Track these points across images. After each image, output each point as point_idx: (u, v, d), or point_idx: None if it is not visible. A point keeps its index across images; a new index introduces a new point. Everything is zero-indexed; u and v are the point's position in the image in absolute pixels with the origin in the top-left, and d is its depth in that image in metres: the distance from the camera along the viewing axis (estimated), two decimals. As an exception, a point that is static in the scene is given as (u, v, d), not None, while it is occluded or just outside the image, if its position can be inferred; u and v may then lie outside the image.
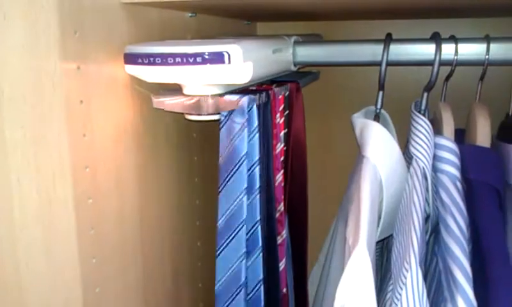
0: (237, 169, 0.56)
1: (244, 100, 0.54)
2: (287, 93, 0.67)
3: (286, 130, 0.68)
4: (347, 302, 0.50)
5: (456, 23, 0.85)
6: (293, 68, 0.68)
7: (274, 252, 0.64)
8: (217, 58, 0.49)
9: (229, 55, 0.48)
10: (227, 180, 0.57)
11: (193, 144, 0.71)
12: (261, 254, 0.59)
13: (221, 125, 0.56)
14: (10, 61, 0.42)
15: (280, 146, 0.66)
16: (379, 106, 0.64)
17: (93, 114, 0.48)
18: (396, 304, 0.49)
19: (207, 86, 0.54)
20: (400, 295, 0.49)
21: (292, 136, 0.68)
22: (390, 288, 0.53)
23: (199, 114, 0.56)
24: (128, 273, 0.56)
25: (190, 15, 0.67)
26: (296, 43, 0.67)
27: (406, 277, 0.49)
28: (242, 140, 0.56)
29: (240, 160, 0.56)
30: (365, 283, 0.50)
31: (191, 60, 0.49)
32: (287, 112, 0.68)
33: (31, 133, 0.43)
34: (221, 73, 0.49)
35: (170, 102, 0.56)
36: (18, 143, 0.44)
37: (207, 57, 0.48)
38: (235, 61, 0.48)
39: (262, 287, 0.60)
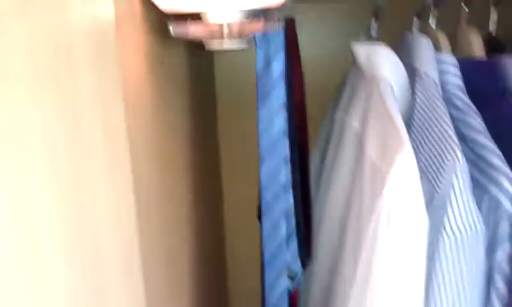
0: (276, 86, 0.57)
1: (270, 24, 0.54)
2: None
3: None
4: (396, 204, 0.51)
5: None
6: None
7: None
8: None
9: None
10: (267, 100, 0.58)
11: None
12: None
13: (257, 44, 0.56)
14: None
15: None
16: (374, 34, 0.67)
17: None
18: (446, 196, 0.51)
19: (231, 12, 0.52)
20: (448, 184, 0.51)
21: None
22: (425, 185, 0.55)
23: (222, 39, 0.54)
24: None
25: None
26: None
27: (453, 169, 0.50)
28: (279, 62, 0.57)
29: (277, 80, 0.57)
30: (412, 184, 0.51)
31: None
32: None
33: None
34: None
35: (193, 29, 0.53)
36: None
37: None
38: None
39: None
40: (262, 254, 0.63)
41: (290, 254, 0.64)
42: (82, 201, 0.34)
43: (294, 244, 0.64)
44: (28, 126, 0.27)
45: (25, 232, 0.27)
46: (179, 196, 0.65)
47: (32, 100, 0.28)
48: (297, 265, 0.65)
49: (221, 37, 0.53)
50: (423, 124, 0.59)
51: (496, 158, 0.52)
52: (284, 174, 0.63)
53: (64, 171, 0.31)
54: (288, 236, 0.64)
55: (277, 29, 0.56)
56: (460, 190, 0.50)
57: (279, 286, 0.64)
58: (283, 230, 0.63)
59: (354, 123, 0.66)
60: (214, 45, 0.55)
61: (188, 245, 0.69)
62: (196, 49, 0.77)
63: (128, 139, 0.43)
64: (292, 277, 0.64)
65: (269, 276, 0.63)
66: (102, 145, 0.37)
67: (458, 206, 0.50)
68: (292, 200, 0.64)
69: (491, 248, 0.52)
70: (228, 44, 0.55)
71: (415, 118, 0.61)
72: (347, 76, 0.75)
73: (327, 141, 0.79)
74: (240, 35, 0.53)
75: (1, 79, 0.25)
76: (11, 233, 0.25)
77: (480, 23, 0.66)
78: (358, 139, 0.64)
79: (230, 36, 0.53)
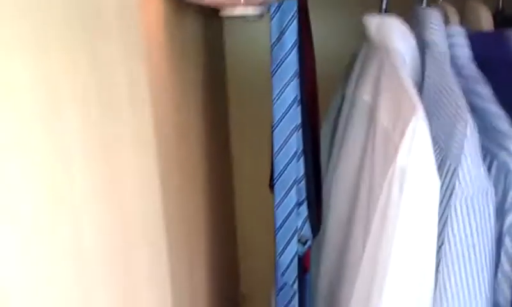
0: (289, 56, 0.58)
1: None
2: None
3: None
4: (409, 167, 0.52)
5: None
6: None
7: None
8: None
9: None
10: (280, 69, 0.58)
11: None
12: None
13: (271, 15, 0.57)
14: None
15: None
16: (384, 6, 0.68)
17: None
18: (457, 161, 0.52)
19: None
20: (459, 149, 0.52)
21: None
22: (437, 152, 0.56)
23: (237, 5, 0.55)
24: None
25: None
26: None
27: (464, 135, 0.52)
28: (292, 31, 0.58)
29: (291, 51, 0.58)
30: (425, 147, 0.52)
31: None
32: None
33: None
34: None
35: None
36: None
37: None
38: None
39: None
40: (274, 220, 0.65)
41: (301, 221, 0.65)
42: (114, 167, 0.35)
43: (305, 211, 0.66)
44: (66, 87, 0.28)
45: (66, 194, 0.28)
46: (194, 167, 0.66)
47: (72, 62, 0.29)
48: (307, 231, 0.66)
49: (238, 2, 0.54)
50: (434, 93, 0.60)
51: (505, 124, 0.54)
52: (295, 142, 0.64)
53: (97, 136, 0.32)
54: (299, 204, 0.65)
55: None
56: (471, 154, 0.51)
57: (290, 251, 0.65)
58: (293, 197, 0.64)
59: (365, 97, 0.68)
60: (228, 11, 0.55)
61: (202, 215, 0.70)
62: (208, 21, 0.77)
63: (151, 104, 0.44)
64: (303, 243, 0.66)
65: (280, 241, 0.65)
66: (130, 113, 0.38)
67: (469, 169, 0.51)
68: (303, 168, 0.65)
69: (501, 213, 0.54)
70: (241, 10, 0.56)
71: (425, 87, 0.62)
72: (358, 53, 0.76)
73: (337, 117, 0.80)
74: (255, 1, 0.54)
75: (43, 43, 0.26)
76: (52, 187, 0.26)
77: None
78: (369, 111, 0.65)
79: (247, 1, 0.54)
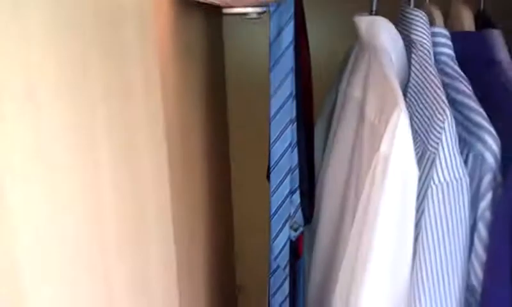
0: (285, 53, 0.63)
1: None
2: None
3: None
4: (391, 155, 0.57)
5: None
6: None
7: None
8: None
9: None
10: (277, 66, 0.63)
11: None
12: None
13: (270, 15, 0.62)
14: None
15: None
16: (374, 8, 0.72)
17: None
18: (435, 151, 0.57)
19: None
20: (438, 140, 0.56)
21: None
22: (418, 144, 0.61)
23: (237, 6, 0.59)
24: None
25: None
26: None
27: (442, 127, 0.56)
28: (289, 31, 0.63)
29: (287, 48, 0.63)
30: (406, 137, 0.56)
31: None
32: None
33: None
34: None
35: None
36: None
37: None
38: None
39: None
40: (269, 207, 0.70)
41: (294, 208, 0.70)
42: (132, 166, 0.40)
43: (297, 199, 0.71)
44: (97, 89, 0.33)
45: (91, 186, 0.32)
46: (194, 165, 0.71)
47: (101, 66, 0.34)
48: (299, 218, 0.71)
49: (238, 2, 0.58)
50: (417, 89, 0.64)
51: (481, 118, 0.58)
52: (290, 134, 0.69)
53: (118, 115, 0.37)
54: (292, 192, 0.70)
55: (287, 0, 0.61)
56: (448, 145, 0.56)
57: (283, 236, 0.70)
58: (287, 185, 0.69)
59: (355, 93, 0.72)
60: (231, 10, 0.60)
61: (202, 211, 0.74)
62: (210, 21, 0.82)
63: (162, 99, 0.49)
64: (294, 229, 0.71)
65: (274, 227, 0.70)
66: (143, 95, 0.43)
67: (445, 159, 0.55)
68: (297, 158, 0.70)
69: (476, 200, 0.58)
70: (242, 9, 0.60)
71: (411, 83, 0.66)
72: (350, 52, 0.81)
73: (332, 111, 0.85)
74: (254, 1, 0.59)
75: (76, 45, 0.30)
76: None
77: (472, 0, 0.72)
78: (359, 107, 0.70)
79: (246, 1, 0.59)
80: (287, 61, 0.71)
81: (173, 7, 0.57)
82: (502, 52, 0.67)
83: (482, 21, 0.72)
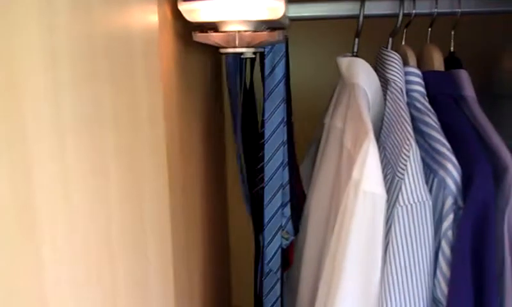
0: (278, 86, 0.73)
1: (280, 33, 0.67)
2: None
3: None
4: (362, 180, 0.64)
5: None
6: (287, 22, 0.82)
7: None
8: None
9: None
10: (271, 96, 0.74)
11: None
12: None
13: (266, 55, 0.71)
14: None
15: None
16: (355, 50, 0.81)
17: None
18: (402, 177, 0.64)
19: (243, 22, 0.66)
20: (404, 167, 0.64)
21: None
22: (389, 171, 0.69)
23: (235, 47, 0.68)
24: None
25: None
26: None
27: (408, 156, 0.64)
28: (281, 68, 0.73)
29: (280, 82, 0.73)
30: (374, 164, 0.64)
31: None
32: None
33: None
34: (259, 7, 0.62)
35: (212, 35, 0.66)
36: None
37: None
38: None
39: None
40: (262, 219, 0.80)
41: (285, 219, 0.81)
42: (134, 167, 0.47)
43: (288, 212, 0.82)
44: (107, 109, 0.41)
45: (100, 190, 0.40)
46: (193, 185, 0.78)
47: (112, 90, 0.41)
48: (290, 228, 0.83)
49: (234, 44, 0.67)
50: (390, 123, 0.72)
51: (444, 148, 0.65)
52: (282, 155, 0.79)
53: (126, 139, 0.45)
54: (284, 205, 0.81)
55: (280, 40, 0.69)
56: (412, 171, 0.63)
57: (275, 243, 0.82)
58: (279, 200, 0.80)
59: (337, 124, 0.80)
60: (228, 50, 0.68)
61: (199, 228, 0.82)
62: (209, 55, 0.90)
63: (164, 117, 0.56)
64: (286, 238, 0.83)
65: (267, 235, 0.81)
66: (148, 124, 0.51)
67: (410, 183, 0.63)
68: (287, 176, 0.79)
69: (440, 220, 0.66)
70: (238, 50, 0.68)
71: (385, 117, 0.74)
72: (335, 88, 0.89)
73: (318, 141, 0.93)
74: (249, 44, 0.67)
75: (90, 72, 0.38)
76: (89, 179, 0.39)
77: (442, 42, 0.81)
78: (340, 136, 0.78)
79: (241, 43, 0.67)
80: (280, 92, 0.83)
81: (177, 47, 0.66)
82: (468, 89, 0.75)
83: (452, 61, 0.80)
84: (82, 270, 0.36)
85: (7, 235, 0.27)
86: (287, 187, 0.83)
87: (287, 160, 0.83)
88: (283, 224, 0.83)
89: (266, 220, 0.82)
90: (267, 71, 0.82)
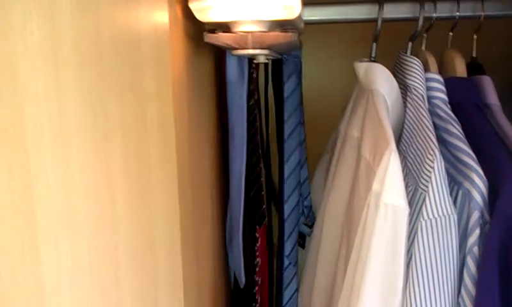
0: (296, 90, 0.78)
1: (294, 34, 0.63)
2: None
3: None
4: (383, 192, 0.61)
5: None
6: (301, 26, 0.79)
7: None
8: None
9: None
10: (289, 99, 0.78)
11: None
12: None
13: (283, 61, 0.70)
14: None
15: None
16: (373, 54, 0.77)
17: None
18: (425, 189, 0.61)
19: (256, 22, 0.62)
20: (428, 178, 0.61)
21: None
22: (411, 182, 0.65)
23: (246, 49, 0.64)
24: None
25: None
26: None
27: (432, 167, 0.61)
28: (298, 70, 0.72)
29: (297, 86, 0.74)
30: (396, 176, 0.60)
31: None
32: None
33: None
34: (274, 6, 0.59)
35: (224, 36, 0.63)
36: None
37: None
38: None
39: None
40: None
41: (307, 210, 0.93)
42: (142, 177, 0.44)
43: (309, 202, 0.93)
44: (114, 115, 0.38)
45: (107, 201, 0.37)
46: (204, 188, 0.75)
47: (119, 95, 0.39)
48: (312, 217, 0.95)
49: (246, 45, 0.64)
50: (411, 131, 0.69)
51: (470, 158, 0.62)
52: (299, 154, 0.86)
53: (134, 149, 0.42)
54: (304, 198, 0.91)
55: (294, 41, 0.66)
56: (437, 183, 0.60)
57: (293, 237, 0.89)
58: (297, 196, 0.86)
59: (354, 132, 0.77)
60: (240, 51, 0.65)
61: (210, 217, 0.79)
62: (217, 57, 0.88)
63: (174, 123, 0.53)
64: (309, 226, 0.94)
65: (287, 229, 0.87)
66: (157, 129, 0.48)
67: (434, 196, 0.59)
68: (306, 173, 0.89)
69: (465, 236, 0.62)
70: (251, 52, 0.65)
71: (405, 125, 0.71)
72: (351, 94, 0.86)
73: (333, 150, 0.90)
74: (261, 45, 0.64)
75: (95, 75, 0.35)
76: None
77: (464, 47, 0.77)
78: (357, 145, 0.75)
79: (253, 44, 0.64)
80: (297, 95, 0.86)
81: (186, 48, 0.62)
82: (491, 97, 0.72)
83: (474, 67, 0.77)
84: (86, 290, 0.33)
85: (6, 253, 0.25)
86: (306, 183, 0.92)
87: (305, 158, 0.90)
88: (305, 214, 0.93)
89: (286, 215, 0.86)
90: (285, 77, 0.85)
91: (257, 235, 0.85)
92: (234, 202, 0.79)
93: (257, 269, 0.86)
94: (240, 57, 0.75)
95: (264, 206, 0.87)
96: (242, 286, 0.84)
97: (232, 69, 0.77)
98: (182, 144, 0.57)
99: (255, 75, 0.81)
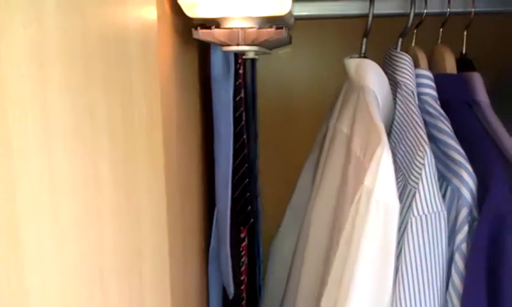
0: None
1: (286, 30, 0.63)
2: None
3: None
4: (375, 188, 0.61)
5: None
6: (291, 21, 0.79)
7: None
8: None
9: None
10: None
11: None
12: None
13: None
14: None
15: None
16: (364, 50, 0.77)
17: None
18: (415, 186, 0.61)
19: (246, 19, 0.62)
20: (418, 175, 0.61)
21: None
22: (400, 178, 0.65)
23: (238, 45, 0.64)
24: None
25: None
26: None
27: (422, 164, 0.61)
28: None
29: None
30: (388, 172, 0.61)
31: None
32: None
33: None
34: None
35: (216, 31, 0.63)
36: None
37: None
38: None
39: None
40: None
41: None
42: (129, 178, 0.44)
43: None
44: (101, 112, 0.37)
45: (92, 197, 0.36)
46: (191, 187, 0.75)
47: (107, 92, 0.38)
48: None
49: (238, 41, 0.63)
50: (401, 127, 0.69)
51: (459, 155, 0.62)
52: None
53: (121, 150, 0.41)
54: None
55: (285, 38, 0.65)
56: (427, 180, 0.60)
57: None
58: None
59: (344, 128, 0.77)
60: (230, 48, 0.64)
61: (197, 218, 0.79)
62: (202, 53, 0.87)
63: (161, 118, 0.53)
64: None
65: None
66: (145, 129, 0.47)
67: (424, 193, 0.59)
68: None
69: (453, 232, 0.62)
70: (242, 48, 0.64)
71: (395, 122, 0.71)
72: (340, 90, 0.86)
73: (321, 146, 0.90)
74: (253, 41, 0.63)
75: (83, 77, 0.35)
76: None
77: (454, 43, 0.77)
78: (346, 142, 0.74)
79: (246, 40, 0.63)
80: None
81: (174, 45, 0.62)
82: (481, 93, 0.72)
83: (464, 63, 0.77)
84: (71, 294, 0.33)
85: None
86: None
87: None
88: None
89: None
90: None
91: (242, 234, 0.84)
92: (221, 202, 0.78)
93: (243, 268, 0.85)
94: (225, 52, 0.74)
95: (249, 207, 0.85)
96: (231, 297, 0.83)
97: (217, 64, 0.76)
98: (169, 143, 0.57)
99: (241, 70, 0.79)
